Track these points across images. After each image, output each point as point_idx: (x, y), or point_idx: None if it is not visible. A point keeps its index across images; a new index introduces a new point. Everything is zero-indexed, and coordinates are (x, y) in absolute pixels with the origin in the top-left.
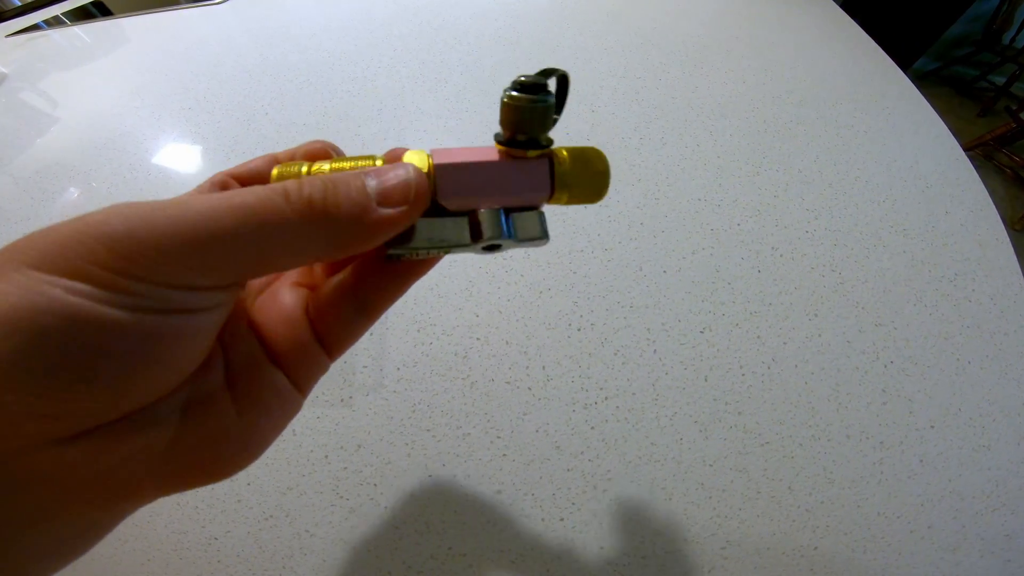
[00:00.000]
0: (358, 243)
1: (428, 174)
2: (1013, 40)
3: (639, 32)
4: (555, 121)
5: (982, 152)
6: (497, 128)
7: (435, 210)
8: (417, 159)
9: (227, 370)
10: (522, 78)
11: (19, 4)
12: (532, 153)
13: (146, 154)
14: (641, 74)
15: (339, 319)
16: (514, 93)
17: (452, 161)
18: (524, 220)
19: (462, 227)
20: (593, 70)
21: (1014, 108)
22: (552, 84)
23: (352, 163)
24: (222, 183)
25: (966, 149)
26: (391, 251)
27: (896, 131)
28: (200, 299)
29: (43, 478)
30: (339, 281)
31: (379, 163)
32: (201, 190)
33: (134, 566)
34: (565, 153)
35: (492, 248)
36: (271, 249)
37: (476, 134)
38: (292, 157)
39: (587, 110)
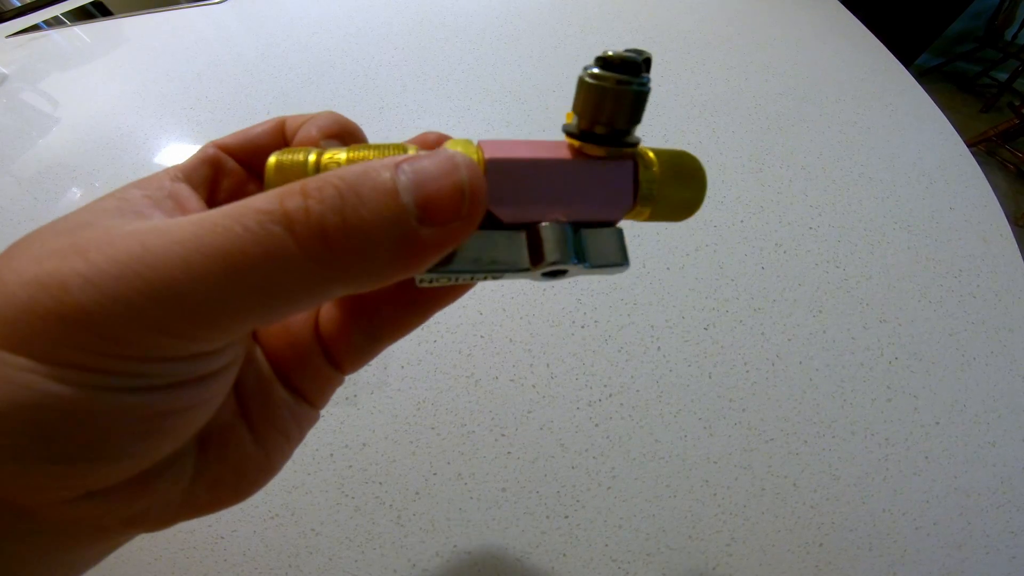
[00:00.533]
0: (393, 276)
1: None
2: (1015, 36)
3: (641, 29)
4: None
5: (985, 148)
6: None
7: (484, 221)
8: (463, 150)
9: (239, 399)
10: (609, 52)
11: (19, 4)
12: (613, 152)
13: (148, 153)
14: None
15: (349, 345)
16: (597, 71)
17: (510, 156)
18: (599, 240)
19: (519, 246)
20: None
21: (1017, 104)
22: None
23: (377, 153)
24: (213, 160)
25: (969, 145)
26: (424, 276)
27: (899, 127)
28: (205, 364)
29: (70, 525)
30: (349, 307)
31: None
32: (187, 169)
33: (142, 565)
34: (652, 155)
35: (555, 274)
36: (277, 298)
37: (478, 131)
38: (304, 126)
39: None
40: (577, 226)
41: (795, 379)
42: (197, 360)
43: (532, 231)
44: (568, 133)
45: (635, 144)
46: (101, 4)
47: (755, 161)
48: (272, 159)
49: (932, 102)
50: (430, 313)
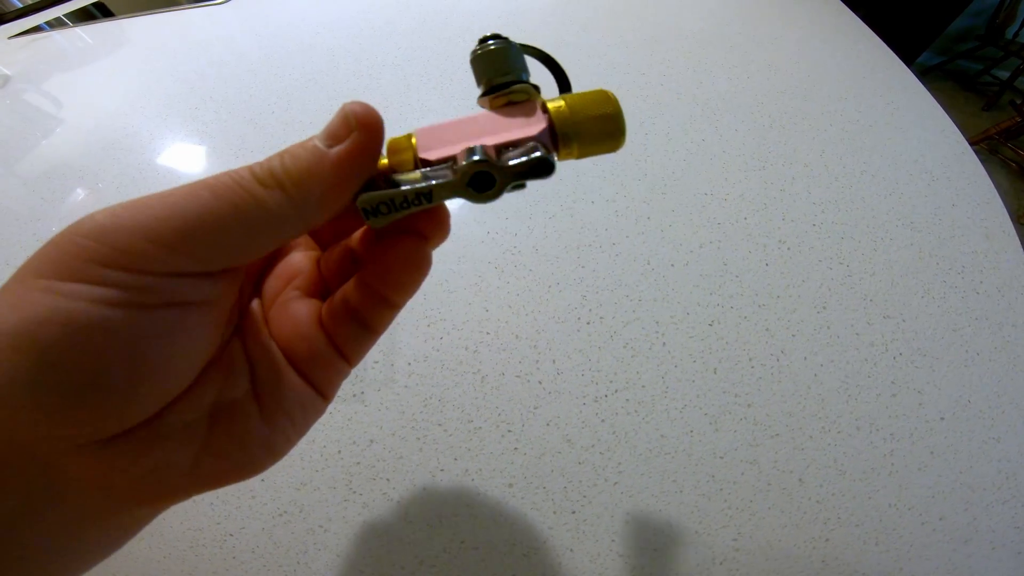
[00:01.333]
0: (329, 191)
1: (411, 144)
2: (1016, 35)
3: (642, 29)
4: (525, 60)
5: (987, 146)
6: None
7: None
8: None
9: (252, 379)
10: (484, 35)
11: (21, 6)
12: (518, 92)
13: (152, 154)
14: (645, 70)
15: (347, 334)
16: (477, 47)
17: (434, 123)
18: (515, 151)
19: (440, 169)
20: (597, 66)
21: (1019, 102)
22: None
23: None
24: None
25: (971, 144)
26: (365, 201)
27: (901, 125)
28: (192, 289)
29: (85, 483)
30: (340, 299)
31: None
32: None
33: (152, 563)
34: (562, 100)
35: (482, 183)
36: (249, 223)
37: None
38: None
39: None
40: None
41: (800, 375)
42: (188, 279)
43: (451, 159)
44: (480, 97)
45: (534, 87)
46: (103, 5)
47: (758, 159)
48: None
49: (933, 100)
50: (401, 298)
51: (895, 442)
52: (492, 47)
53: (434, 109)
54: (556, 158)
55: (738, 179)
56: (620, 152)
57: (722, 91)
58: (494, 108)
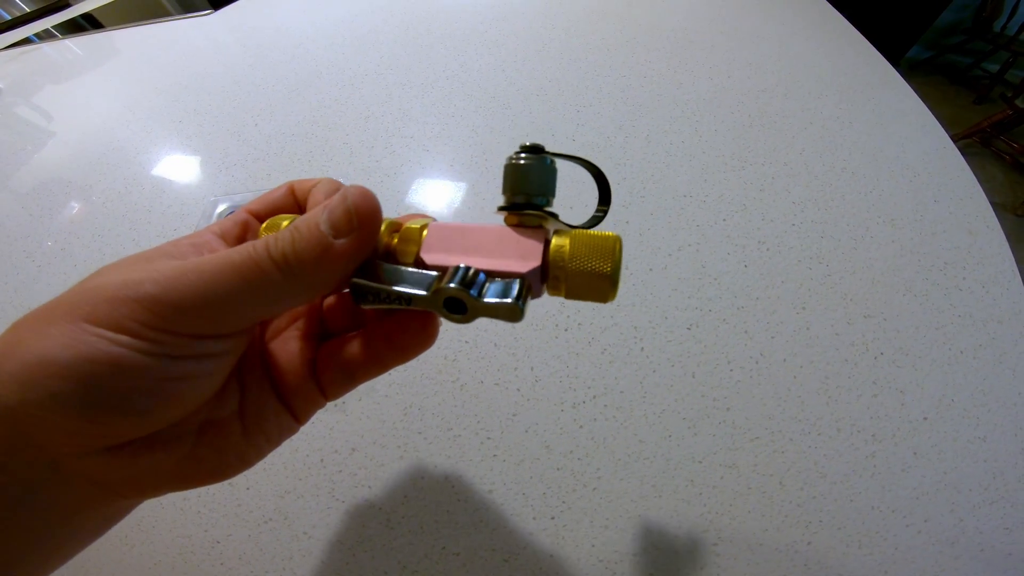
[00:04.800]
0: (332, 278)
1: (420, 238)
2: (1004, 27)
3: (624, 30)
4: (551, 183)
5: (979, 140)
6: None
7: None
8: (418, 222)
9: (241, 402)
10: (525, 143)
11: (8, 18)
12: (530, 216)
13: (140, 167)
14: (626, 72)
15: (332, 380)
16: (512, 154)
17: (447, 223)
18: (499, 285)
19: (428, 278)
20: (578, 69)
21: (1009, 95)
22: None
23: None
24: (244, 223)
25: (963, 137)
26: (359, 293)
27: (881, 121)
28: (210, 346)
29: (88, 478)
30: (335, 348)
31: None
32: (224, 228)
33: (142, 570)
34: (568, 239)
35: (455, 307)
36: (263, 299)
37: (463, 138)
38: (312, 193)
39: (572, 110)
40: (490, 276)
41: (779, 377)
42: (209, 340)
43: (444, 269)
44: (498, 208)
45: (543, 210)
46: (92, 17)
47: (738, 159)
48: (262, 227)
49: (915, 95)
50: (387, 365)
51: (877, 443)
52: (522, 162)
53: (415, 118)
54: (543, 292)
55: (717, 180)
56: (599, 156)
57: (703, 91)
58: (508, 223)
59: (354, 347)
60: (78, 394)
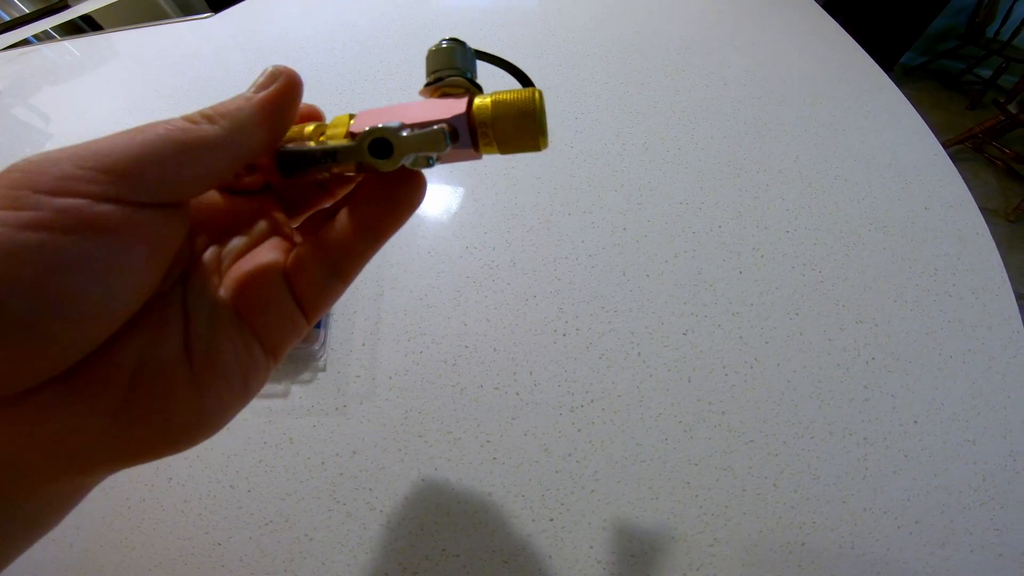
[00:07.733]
0: (256, 128)
1: (349, 121)
2: (997, 33)
3: (621, 38)
4: (467, 64)
5: (972, 145)
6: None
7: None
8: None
9: (186, 333)
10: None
11: (7, 19)
12: (454, 87)
13: None
14: (623, 79)
15: (312, 282)
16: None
17: (373, 107)
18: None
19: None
20: (576, 76)
21: (1002, 101)
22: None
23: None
24: None
25: (956, 143)
26: (283, 149)
27: (874, 128)
28: (124, 217)
29: (12, 446)
30: (312, 244)
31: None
32: None
33: (143, 572)
34: (491, 95)
35: (381, 151)
36: (186, 152)
37: None
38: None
39: (570, 117)
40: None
41: (773, 381)
42: (123, 207)
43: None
44: (422, 88)
45: (466, 77)
46: (91, 18)
47: (733, 166)
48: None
49: (908, 102)
50: (376, 243)
51: (869, 446)
52: (444, 46)
53: None
54: (479, 152)
55: (713, 187)
56: (597, 164)
57: (699, 99)
58: (431, 97)
59: (337, 226)
60: None
